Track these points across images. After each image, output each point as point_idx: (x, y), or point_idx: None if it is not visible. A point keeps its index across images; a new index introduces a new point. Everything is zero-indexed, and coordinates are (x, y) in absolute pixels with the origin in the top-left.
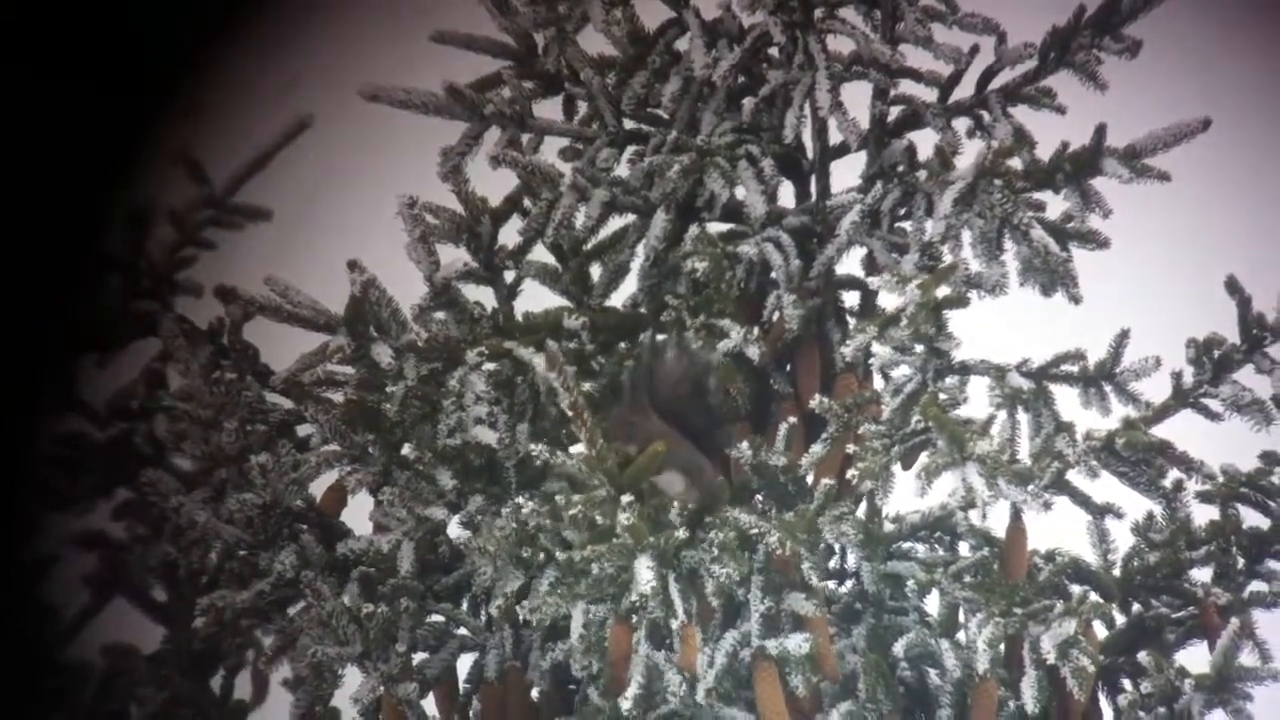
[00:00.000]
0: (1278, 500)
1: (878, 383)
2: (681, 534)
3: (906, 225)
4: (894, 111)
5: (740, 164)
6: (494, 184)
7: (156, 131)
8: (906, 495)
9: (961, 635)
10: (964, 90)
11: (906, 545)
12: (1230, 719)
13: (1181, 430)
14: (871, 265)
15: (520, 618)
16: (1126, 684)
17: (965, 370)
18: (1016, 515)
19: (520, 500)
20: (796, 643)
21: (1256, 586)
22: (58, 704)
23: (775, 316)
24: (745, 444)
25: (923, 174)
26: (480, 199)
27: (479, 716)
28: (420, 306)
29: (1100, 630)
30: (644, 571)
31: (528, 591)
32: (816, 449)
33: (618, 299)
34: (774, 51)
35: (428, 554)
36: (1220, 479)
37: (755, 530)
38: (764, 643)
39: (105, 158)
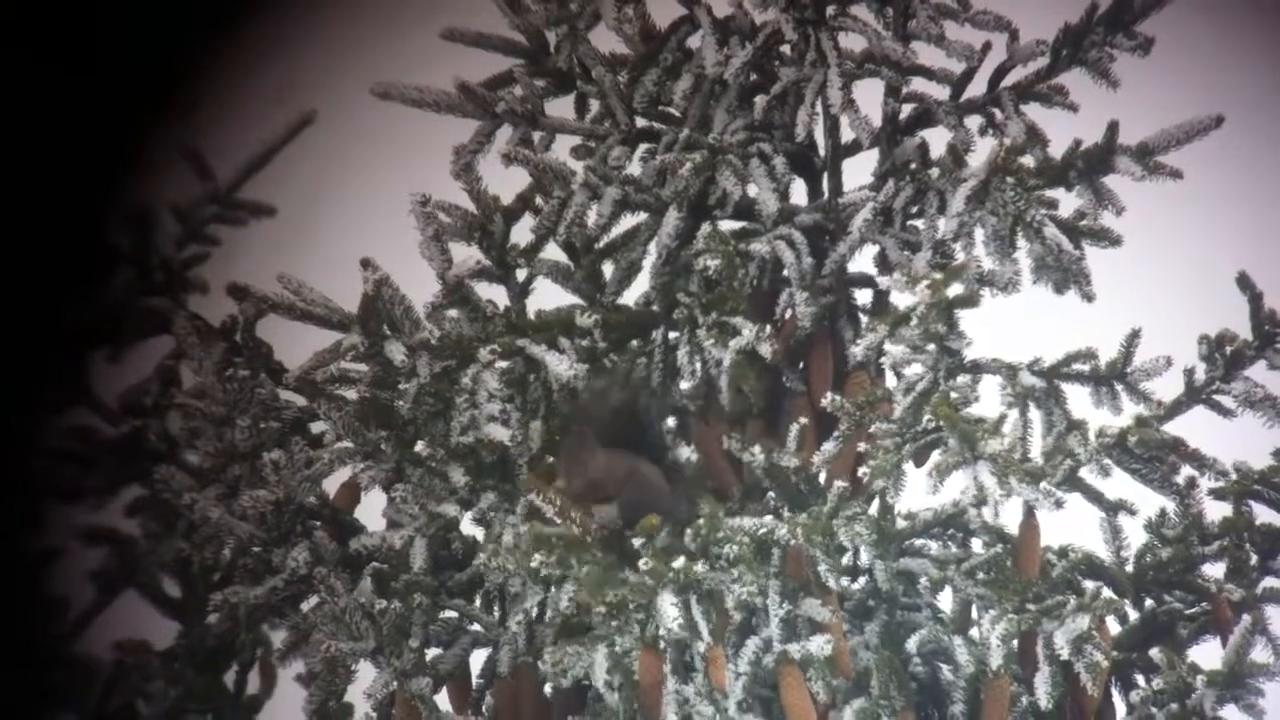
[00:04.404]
0: None
1: (890, 381)
2: (701, 568)
3: (919, 223)
4: (906, 109)
5: (752, 162)
6: (506, 182)
7: (162, 127)
8: (919, 493)
9: (974, 632)
10: (976, 88)
11: (919, 542)
12: (1243, 714)
13: (1194, 427)
14: (884, 263)
15: (534, 614)
16: (1139, 679)
17: (977, 369)
18: (1029, 512)
19: (535, 499)
20: (819, 644)
21: (1269, 582)
22: (65, 699)
23: (787, 314)
24: (757, 446)
25: (935, 172)
26: (493, 197)
27: (492, 712)
28: (433, 304)
29: (1113, 626)
30: (669, 609)
31: (545, 605)
32: (828, 447)
33: (630, 297)
34: (786, 49)
35: (440, 550)
36: (1233, 475)
37: (764, 530)
38: (787, 647)
39: (111, 152)
